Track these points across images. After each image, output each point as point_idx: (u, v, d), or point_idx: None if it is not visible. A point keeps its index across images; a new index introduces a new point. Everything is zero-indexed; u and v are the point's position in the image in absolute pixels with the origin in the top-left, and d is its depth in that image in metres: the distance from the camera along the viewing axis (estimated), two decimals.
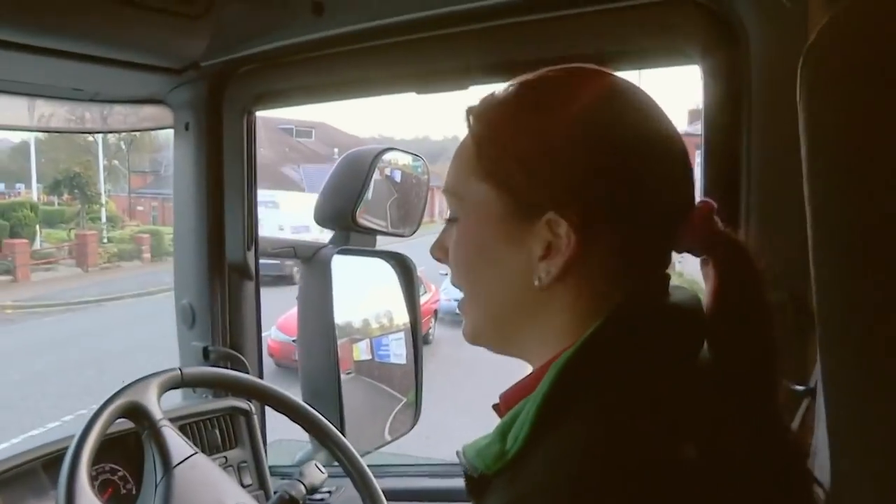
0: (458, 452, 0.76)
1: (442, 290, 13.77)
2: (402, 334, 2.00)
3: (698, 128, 1.32)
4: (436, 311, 13.42)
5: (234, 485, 1.35)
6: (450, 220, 0.82)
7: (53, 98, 1.69)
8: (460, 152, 0.80)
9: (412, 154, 2.01)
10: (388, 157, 1.88)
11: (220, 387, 1.55)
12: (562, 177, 0.71)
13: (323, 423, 1.49)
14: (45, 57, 1.35)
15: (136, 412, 1.28)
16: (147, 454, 1.28)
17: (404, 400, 1.98)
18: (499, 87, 0.78)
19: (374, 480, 1.45)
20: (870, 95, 0.51)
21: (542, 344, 0.76)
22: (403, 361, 2.00)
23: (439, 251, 0.84)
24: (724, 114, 1.26)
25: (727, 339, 0.72)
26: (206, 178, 1.76)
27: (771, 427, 0.71)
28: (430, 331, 13.10)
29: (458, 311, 0.84)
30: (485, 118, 0.78)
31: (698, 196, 0.80)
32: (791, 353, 1.18)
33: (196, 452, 1.31)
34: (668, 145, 0.75)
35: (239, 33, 1.51)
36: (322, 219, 1.87)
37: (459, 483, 1.22)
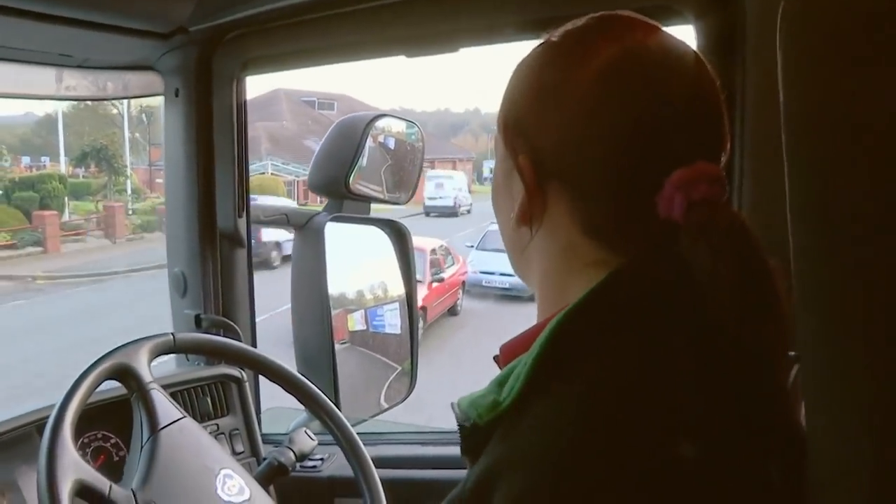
0: (452, 404, 0.76)
1: (469, 261, 13.88)
2: (396, 305, 2.00)
3: None
4: (463, 283, 13.51)
5: (221, 451, 1.34)
6: None
7: (41, 64, 1.68)
8: None
9: (406, 120, 1.99)
10: (381, 124, 1.87)
11: (212, 354, 1.55)
12: (524, 128, 0.75)
13: (313, 390, 1.49)
14: (32, 21, 1.33)
15: (126, 374, 1.28)
16: (135, 417, 1.28)
17: (399, 369, 1.99)
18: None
19: (364, 448, 1.45)
20: (844, 44, 0.51)
21: (541, 296, 0.79)
22: (398, 332, 2.00)
23: None
24: (718, 75, 1.25)
25: (724, 300, 0.67)
26: (195, 144, 1.74)
27: (765, 401, 0.68)
28: (459, 302, 13.23)
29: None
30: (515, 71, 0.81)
31: None
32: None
33: (184, 416, 1.30)
34: (656, 104, 0.71)
35: None
36: (315, 186, 1.86)
37: (448, 451, 1.22)
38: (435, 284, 12.11)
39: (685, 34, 1.29)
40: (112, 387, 1.36)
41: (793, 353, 0.96)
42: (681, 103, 0.71)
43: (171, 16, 1.50)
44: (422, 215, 28.39)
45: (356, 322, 1.91)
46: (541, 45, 0.78)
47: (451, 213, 28.69)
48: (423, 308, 11.34)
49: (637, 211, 0.71)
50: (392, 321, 1.99)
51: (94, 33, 1.45)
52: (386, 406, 1.93)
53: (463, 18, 1.41)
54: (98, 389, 1.26)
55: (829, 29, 0.53)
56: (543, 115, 0.74)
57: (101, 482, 1.14)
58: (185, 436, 1.28)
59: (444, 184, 30.10)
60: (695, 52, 0.76)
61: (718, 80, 1.17)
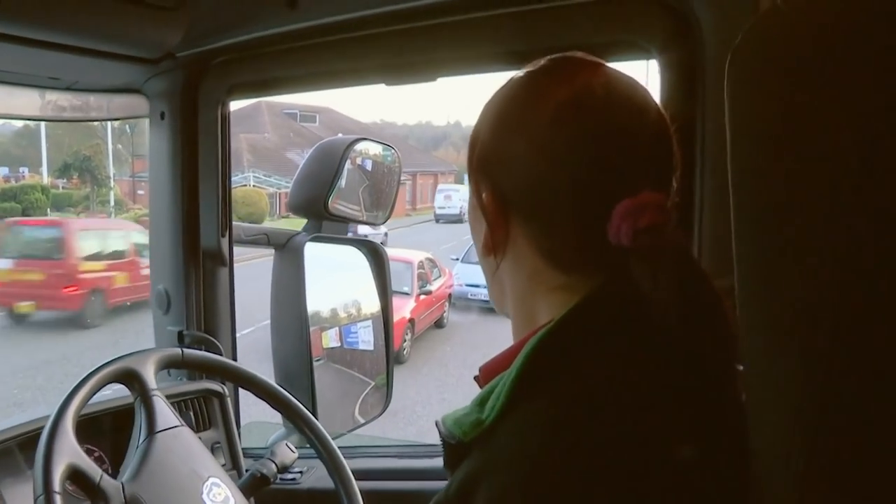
0: (437, 422, 0.80)
1: (454, 274, 13.86)
2: (369, 322, 2.05)
3: None
4: (450, 296, 13.48)
5: (213, 461, 1.39)
6: None
7: (28, 87, 1.71)
8: None
9: (384, 144, 2.05)
10: (359, 147, 1.93)
11: (218, 374, 1.59)
12: (488, 162, 0.81)
13: (299, 407, 1.55)
14: (22, 46, 1.37)
15: (132, 378, 1.35)
16: (136, 419, 1.34)
17: (373, 384, 2.04)
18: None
19: (345, 461, 1.50)
20: (787, 93, 0.56)
21: (516, 319, 0.85)
22: (372, 348, 2.05)
23: None
24: (680, 107, 1.31)
25: (678, 320, 0.72)
26: (181, 166, 1.79)
27: (726, 404, 0.73)
28: (445, 315, 13.17)
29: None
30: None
31: None
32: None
33: (182, 425, 1.36)
34: (592, 142, 0.76)
35: (215, 24, 1.54)
36: (295, 207, 1.92)
37: (426, 463, 1.28)
38: (423, 297, 12.10)
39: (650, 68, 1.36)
40: (99, 400, 1.41)
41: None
42: (626, 136, 0.76)
43: (160, 43, 1.54)
44: (432, 221, 33.50)
45: (331, 339, 1.96)
46: (505, 84, 0.83)
47: (456, 219, 31.96)
48: (411, 321, 11.34)
49: (592, 239, 0.75)
50: (366, 338, 2.04)
51: (84, 58, 1.49)
52: (362, 421, 1.98)
53: (441, 49, 1.46)
54: (92, 400, 1.31)
55: (773, 81, 0.57)
56: (503, 152, 0.80)
57: (94, 470, 1.20)
58: (179, 442, 1.34)
59: (452, 195, 34.85)
60: (641, 85, 0.80)
61: (677, 111, 1.22)
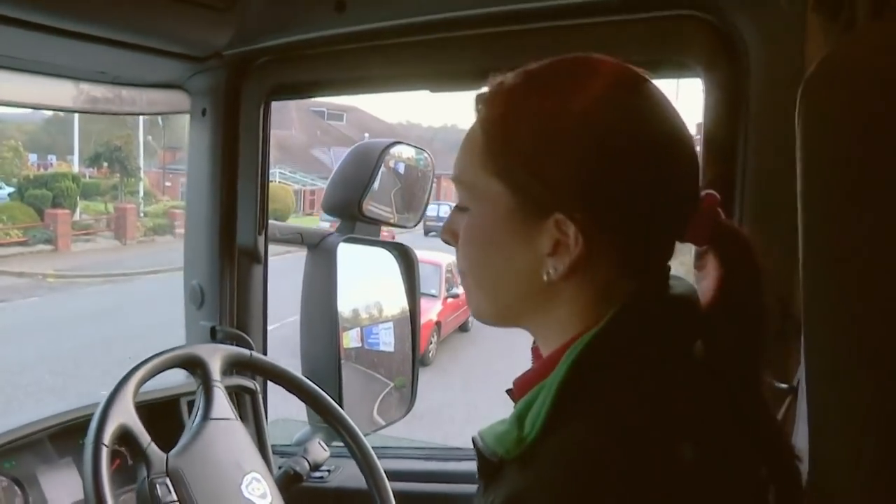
0: (473, 438, 0.78)
1: None
2: (391, 324, 2.06)
3: None
4: None
5: (259, 459, 1.42)
6: (459, 209, 0.83)
7: (74, 79, 1.74)
8: (469, 141, 0.80)
9: (417, 147, 2.07)
10: (393, 150, 1.95)
11: (280, 381, 1.59)
12: (568, 178, 0.73)
13: (336, 408, 1.59)
14: (74, 40, 1.40)
15: (197, 365, 1.41)
16: (196, 405, 1.40)
17: (392, 384, 2.05)
18: (508, 76, 0.79)
19: (378, 463, 1.52)
20: (867, 127, 0.57)
21: (549, 328, 0.79)
22: (392, 350, 2.06)
23: (449, 235, 0.85)
24: (723, 126, 1.31)
25: (724, 331, 0.75)
26: (220, 163, 1.80)
27: (761, 420, 0.75)
28: (470, 318, 12.79)
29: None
30: (493, 108, 0.79)
31: None
32: (776, 353, 1.25)
33: (236, 419, 1.41)
34: (674, 142, 0.76)
35: (263, 25, 1.56)
36: (330, 208, 1.94)
37: (454, 466, 1.28)
38: (450, 300, 12.10)
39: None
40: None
41: (783, 384, 1.04)
42: (684, 136, 0.78)
43: (208, 41, 1.56)
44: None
45: (352, 339, 1.97)
46: (539, 97, 0.77)
47: None
48: (438, 323, 11.39)
49: (665, 241, 0.78)
50: (387, 339, 2.05)
51: (133, 54, 1.51)
52: (382, 421, 1.99)
53: (488, 58, 1.46)
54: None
55: (852, 114, 0.58)
56: (583, 164, 0.73)
57: (144, 436, 1.26)
58: (229, 433, 1.39)
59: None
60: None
61: (720, 130, 1.22)
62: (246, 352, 1.51)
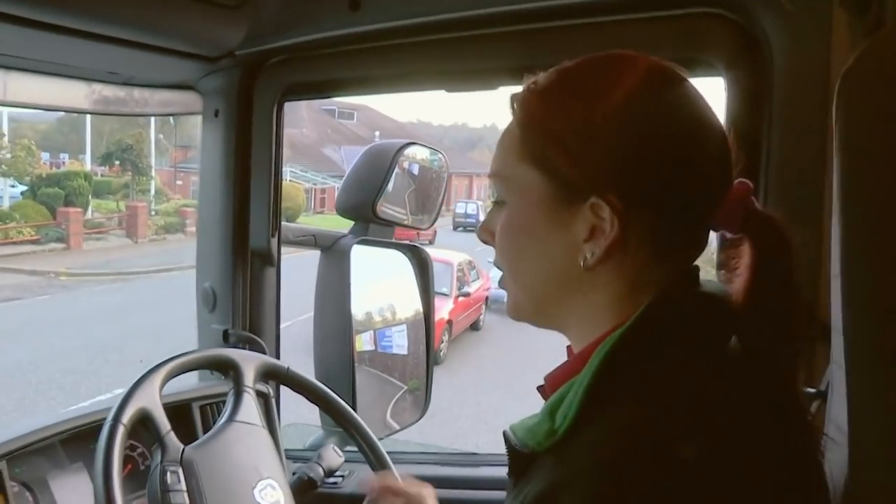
0: (505, 432, 0.80)
1: (492, 277, 13.91)
2: (403, 326, 2.04)
3: None
4: (487, 299, 13.51)
5: (279, 468, 1.41)
6: (496, 203, 0.85)
7: (87, 80, 1.73)
8: (505, 138, 0.83)
9: (430, 148, 2.05)
10: (407, 151, 1.92)
11: (312, 397, 1.57)
12: (604, 163, 0.75)
13: (353, 415, 1.57)
14: (86, 40, 1.38)
15: (230, 369, 1.42)
16: (225, 406, 1.41)
17: (405, 388, 2.03)
18: (542, 75, 0.81)
19: (394, 467, 1.49)
20: None
21: (584, 321, 0.80)
22: (405, 353, 2.05)
23: (485, 233, 0.87)
24: (746, 124, 1.29)
25: (759, 324, 0.75)
26: (233, 164, 1.79)
27: (795, 415, 0.75)
28: (481, 317, 13.25)
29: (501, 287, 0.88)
30: (528, 104, 0.81)
31: None
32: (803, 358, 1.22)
33: (262, 426, 1.41)
34: (706, 128, 0.78)
35: (276, 24, 1.54)
36: (344, 209, 1.91)
37: (469, 472, 1.26)
38: (461, 299, 12.14)
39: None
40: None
41: (811, 389, 1.02)
42: (713, 124, 0.79)
43: (221, 41, 1.55)
44: None
45: (364, 342, 1.95)
46: (572, 90, 0.79)
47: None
48: (449, 322, 11.47)
49: (702, 226, 0.79)
50: (400, 342, 2.04)
51: (145, 54, 1.50)
52: (396, 425, 1.97)
53: (504, 58, 1.45)
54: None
55: (885, 105, 0.56)
56: (618, 149, 0.75)
57: (164, 424, 1.26)
58: (252, 437, 1.38)
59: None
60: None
61: (743, 129, 1.21)
62: (283, 366, 1.51)
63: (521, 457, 0.77)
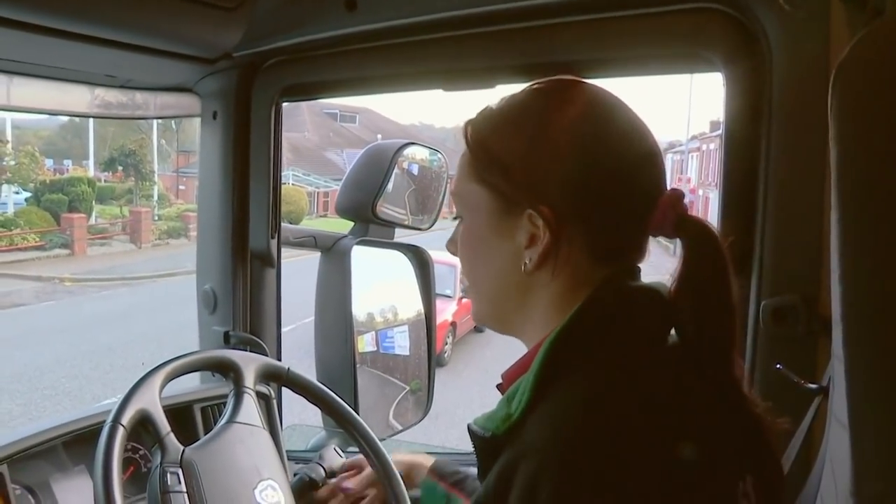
0: (469, 425, 0.88)
1: None
2: (405, 327, 2.04)
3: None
4: None
5: (280, 469, 1.40)
6: (456, 219, 0.97)
7: (87, 84, 1.73)
8: (461, 160, 0.94)
9: (430, 148, 2.04)
10: (407, 151, 1.92)
11: (314, 400, 1.57)
12: (539, 180, 0.86)
13: (354, 415, 1.56)
14: (83, 43, 1.38)
15: (231, 370, 1.43)
16: (226, 407, 1.41)
17: (407, 388, 2.02)
18: (493, 102, 0.93)
19: (395, 469, 1.48)
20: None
21: (532, 323, 0.90)
22: (407, 353, 2.04)
23: (451, 245, 0.98)
24: (745, 121, 1.28)
25: (691, 310, 0.84)
26: (232, 166, 1.79)
27: (733, 398, 0.85)
28: None
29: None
30: (477, 128, 0.92)
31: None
32: (804, 352, 1.22)
33: (262, 427, 1.41)
34: (636, 145, 0.88)
35: (273, 25, 1.53)
36: (343, 210, 1.91)
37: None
38: (465, 300, 12.11)
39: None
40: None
41: (813, 384, 1.03)
42: (644, 136, 0.89)
43: (218, 43, 1.54)
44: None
45: (366, 343, 1.95)
46: (513, 114, 0.91)
47: None
48: (453, 324, 11.55)
49: (636, 230, 0.88)
50: (402, 343, 2.04)
51: (142, 56, 1.50)
52: (398, 426, 1.97)
53: (502, 56, 1.44)
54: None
55: (888, 99, 0.56)
56: (550, 168, 0.86)
57: (164, 425, 1.26)
58: (253, 438, 1.38)
59: None
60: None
61: (741, 125, 1.24)
62: (283, 367, 1.51)
63: (484, 443, 0.84)
